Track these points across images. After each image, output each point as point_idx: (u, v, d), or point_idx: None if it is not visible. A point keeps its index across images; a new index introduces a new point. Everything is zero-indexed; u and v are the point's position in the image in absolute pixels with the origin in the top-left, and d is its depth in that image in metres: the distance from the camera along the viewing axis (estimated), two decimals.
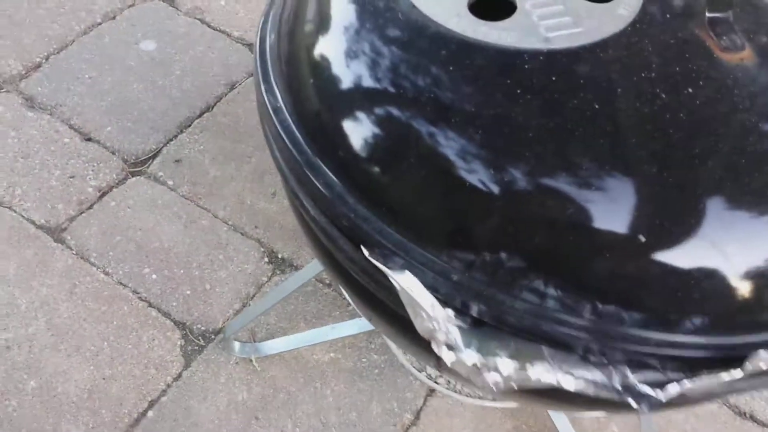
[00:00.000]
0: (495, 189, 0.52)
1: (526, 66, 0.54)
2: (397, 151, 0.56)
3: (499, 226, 0.53)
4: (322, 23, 0.64)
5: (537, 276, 0.52)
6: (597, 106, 0.53)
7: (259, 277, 1.19)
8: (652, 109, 0.53)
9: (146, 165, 1.31)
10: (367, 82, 0.58)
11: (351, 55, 0.60)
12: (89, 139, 1.33)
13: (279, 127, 0.63)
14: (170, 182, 1.29)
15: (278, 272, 1.20)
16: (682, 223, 0.51)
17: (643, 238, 0.50)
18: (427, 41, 0.57)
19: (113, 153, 1.32)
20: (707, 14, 0.57)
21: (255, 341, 1.13)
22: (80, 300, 1.14)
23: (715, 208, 0.51)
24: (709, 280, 0.51)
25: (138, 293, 1.16)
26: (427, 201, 0.55)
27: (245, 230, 1.24)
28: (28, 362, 1.07)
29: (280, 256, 1.21)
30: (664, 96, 0.53)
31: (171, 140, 1.34)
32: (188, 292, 1.17)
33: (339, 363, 1.11)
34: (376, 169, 0.57)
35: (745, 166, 0.52)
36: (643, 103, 0.53)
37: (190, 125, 1.36)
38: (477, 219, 0.54)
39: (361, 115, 0.58)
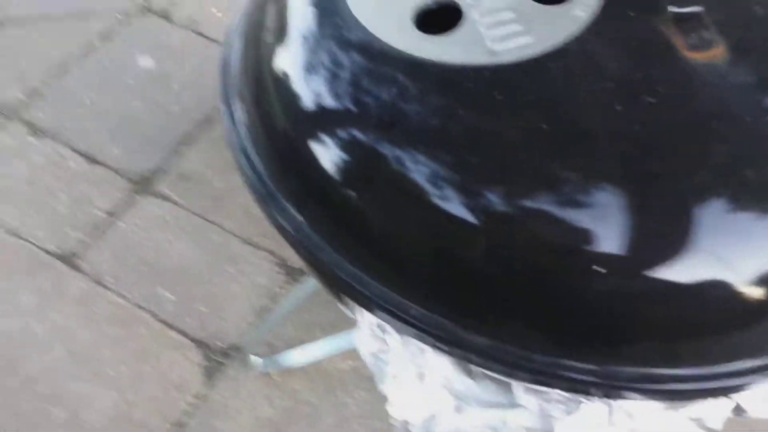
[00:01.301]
0: (437, 221, 0.50)
1: (469, 85, 0.52)
2: (337, 181, 0.55)
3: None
4: (268, 46, 0.62)
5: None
6: (544, 126, 0.50)
7: (273, 288, 1.18)
8: (605, 126, 0.50)
9: (152, 183, 1.31)
10: (309, 108, 0.57)
11: (290, 82, 0.58)
12: (95, 162, 1.34)
13: (243, 164, 0.62)
14: (177, 199, 1.29)
15: (292, 282, 1.19)
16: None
17: (602, 270, 0.48)
18: (367, 61, 0.55)
19: (119, 174, 1.32)
20: (672, 9, 0.54)
21: (274, 354, 1.13)
22: (97, 325, 1.15)
23: (682, 229, 0.49)
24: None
25: (154, 314, 1.16)
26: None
27: (255, 241, 1.23)
28: (53, 392, 1.08)
29: (292, 265, 1.21)
30: (621, 109, 0.51)
31: (175, 156, 1.34)
32: (204, 309, 1.17)
33: (359, 371, 1.10)
34: (327, 201, 0.56)
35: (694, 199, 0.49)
36: (596, 120, 0.51)
37: (192, 139, 1.36)
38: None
39: (301, 144, 0.57)
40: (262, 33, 0.65)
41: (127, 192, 1.30)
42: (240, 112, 0.65)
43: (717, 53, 0.53)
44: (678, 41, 0.54)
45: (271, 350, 1.13)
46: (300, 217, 0.58)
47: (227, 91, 0.67)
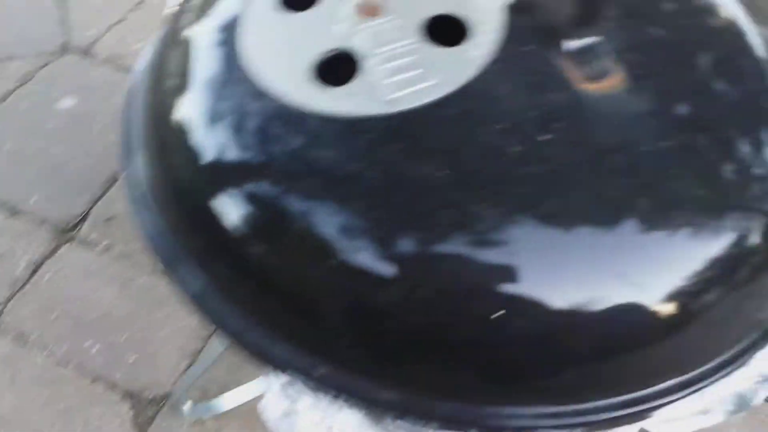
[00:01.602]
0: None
1: (368, 136, 0.50)
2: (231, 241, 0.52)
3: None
4: (167, 97, 0.59)
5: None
6: (443, 173, 0.49)
7: (204, 330, 1.15)
8: (500, 168, 0.49)
9: (77, 230, 1.27)
10: (208, 164, 0.54)
11: (190, 136, 0.56)
12: (15, 213, 1.29)
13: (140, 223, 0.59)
14: (103, 244, 1.25)
15: None
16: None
17: (500, 313, 0.46)
18: (264, 117, 0.53)
19: (42, 223, 1.28)
20: (569, 42, 0.53)
21: (207, 399, 1.09)
22: (22, 388, 1.10)
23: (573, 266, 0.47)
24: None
25: (82, 369, 1.12)
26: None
27: None
28: None
29: None
30: (518, 149, 0.49)
31: (99, 200, 1.30)
32: (133, 359, 1.13)
33: None
34: (228, 259, 0.54)
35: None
36: (494, 161, 0.49)
37: (115, 181, 1.32)
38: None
39: (200, 200, 0.55)
40: (161, 84, 0.62)
41: (51, 242, 1.26)
42: (140, 165, 0.62)
43: (614, 82, 0.52)
44: (574, 74, 0.53)
45: (204, 395, 1.09)
46: (202, 278, 0.55)
47: (128, 143, 0.65)
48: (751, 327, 0.57)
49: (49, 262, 1.23)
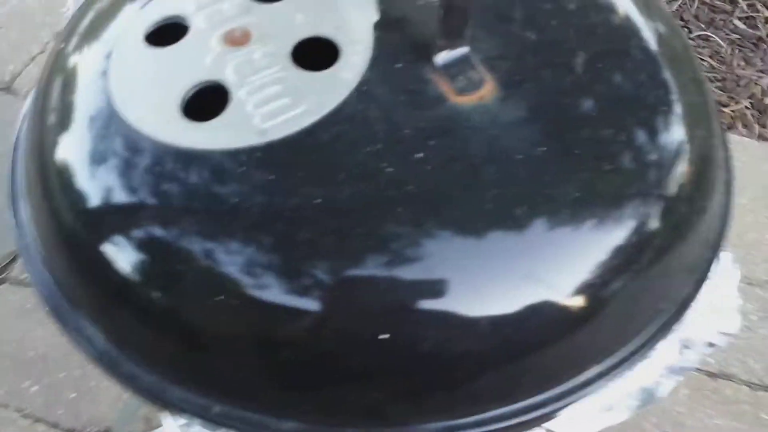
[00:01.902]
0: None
1: (241, 169, 0.50)
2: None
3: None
4: (48, 140, 0.58)
5: None
6: (319, 201, 0.48)
7: None
8: (377, 189, 0.48)
9: (8, 270, 1.24)
10: (90, 208, 0.54)
11: (70, 180, 0.55)
12: None
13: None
14: None
15: None
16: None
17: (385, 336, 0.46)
18: (136, 157, 0.52)
19: None
20: (438, 55, 0.53)
21: (151, 428, 1.08)
22: None
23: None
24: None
25: (22, 411, 1.11)
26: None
27: None
28: None
29: None
30: (391, 170, 0.49)
31: None
32: (73, 395, 1.12)
33: None
34: (115, 305, 0.53)
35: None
36: (368, 184, 0.49)
37: None
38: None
39: (83, 248, 0.54)
40: (42, 120, 0.61)
41: None
42: (28, 212, 0.61)
43: (485, 93, 0.52)
44: (446, 87, 0.52)
45: (147, 425, 1.08)
46: (94, 327, 0.55)
47: (15, 189, 0.63)
48: (653, 317, 0.57)
49: None
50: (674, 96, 0.57)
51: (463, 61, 0.53)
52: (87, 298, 0.56)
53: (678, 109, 0.57)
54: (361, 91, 0.52)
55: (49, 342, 1.17)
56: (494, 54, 0.55)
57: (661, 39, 0.60)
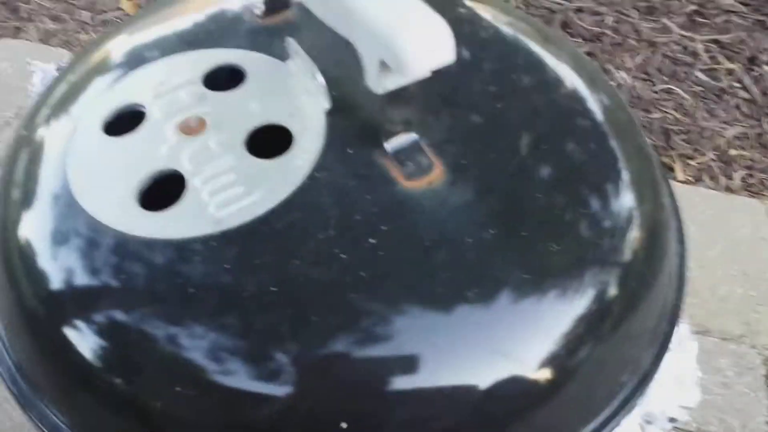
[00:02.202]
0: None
1: (197, 258, 0.51)
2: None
3: None
4: (9, 224, 0.59)
5: None
6: (275, 288, 0.49)
7: None
8: (331, 275, 0.50)
9: None
10: (52, 295, 0.54)
11: (30, 266, 0.56)
12: None
13: None
14: None
15: None
16: None
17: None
18: (92, 247, 0.53)
19: None
20: (388, 141, 0.54)
21: None
22: None
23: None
24: None
25: None
26: None
27: None
28: None
29: None
30: (344, 257, 0.50)
31: None
32: None
33: None
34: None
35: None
36: (322, 270, 0.50)
37: None
38: None
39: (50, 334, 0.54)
40: (7, 192, 0.62)
41: None
42: None
43: (434, 177, 0.54)
44: (396, 172, 0.54)
45: None
46: (59, 414, 0.55)
47: None
48: (616, 391, 0.58)
49: None
50: (620, 169, 0.59)
51: (411, 146, 0.55)
52: (49, 384, 0.56)
53: (624, 181, 0.59)
54: (314, 178, 0.53)
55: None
56: (442, 138, 0.56)
57: (605, 112, 0.62)
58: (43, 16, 1.72)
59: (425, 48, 0.46)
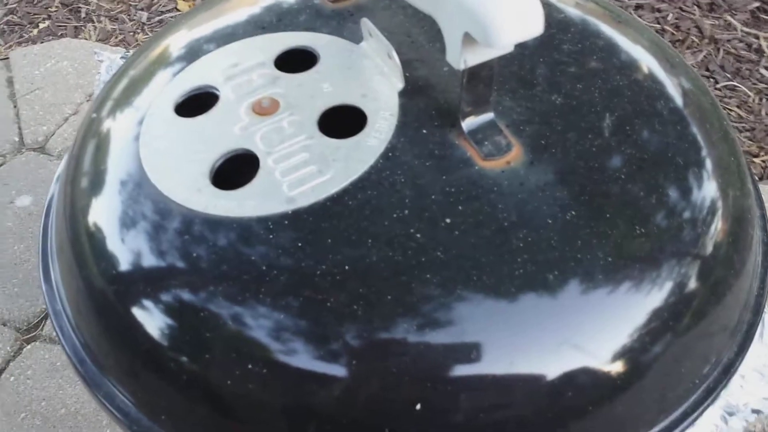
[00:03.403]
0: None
1: (269, 236, 0.50)
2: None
3: None
4: (80, 207, 0.59)
5: None
6: (347, 267, 0.48)
7: None
8: (405, 255, 0.48)
9: (39, 328, 1.25)
10: (123, 274, 0.54)
11: (101, 246, 0.56)
12: None
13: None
14: None
15: None
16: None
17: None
18: (167, 225, 0.53)
19: (4, 324, 1.27)
20: (464, 120, 0.53)
21: None
22: None
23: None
24: None
25: None
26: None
27: None
28: None
29: None
30: (418, 236, 0.49)
31: None
32: None
33: None
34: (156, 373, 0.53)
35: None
36: (396, 250, 0.49)
37: None
38: None
39: (121, 313, 0.54)
40: (75, 183, 0.62)
41: (15, 342, 1.25)
42: (58, 274, 0.61)
43: (512, 157, 0.52)
44: (472, 152, 0.53)
45: None
46: (126, 394, 0.55)
47: (46, 249, 0.64)
48: (696, 384, 0.56)
49: (13, 363, 1.22)
50: (704, 153, 0.57)
51: (488, 126, 0.53)
52: (117, 364, 0.56)
53: (709, 166, 0.57)
54: (388, 158, 0.52)
55: (79, 400, 1.17)
56: (520, 118, 0.55)
57: (687, 96, 0.60)
58: (101, 16, 1.74)
59: (515, 18, 0.44)
